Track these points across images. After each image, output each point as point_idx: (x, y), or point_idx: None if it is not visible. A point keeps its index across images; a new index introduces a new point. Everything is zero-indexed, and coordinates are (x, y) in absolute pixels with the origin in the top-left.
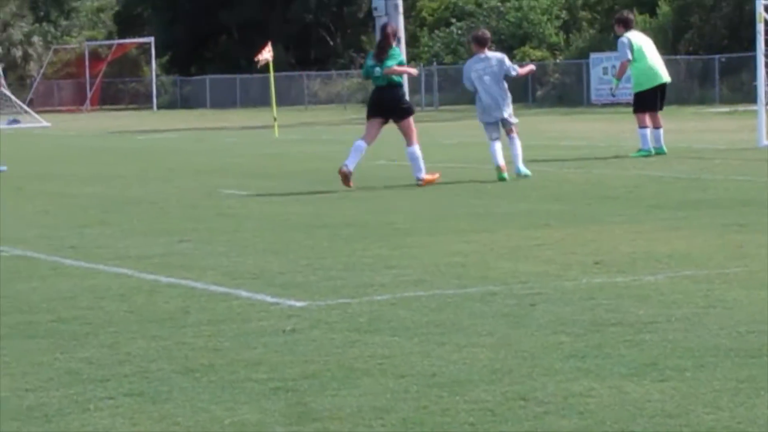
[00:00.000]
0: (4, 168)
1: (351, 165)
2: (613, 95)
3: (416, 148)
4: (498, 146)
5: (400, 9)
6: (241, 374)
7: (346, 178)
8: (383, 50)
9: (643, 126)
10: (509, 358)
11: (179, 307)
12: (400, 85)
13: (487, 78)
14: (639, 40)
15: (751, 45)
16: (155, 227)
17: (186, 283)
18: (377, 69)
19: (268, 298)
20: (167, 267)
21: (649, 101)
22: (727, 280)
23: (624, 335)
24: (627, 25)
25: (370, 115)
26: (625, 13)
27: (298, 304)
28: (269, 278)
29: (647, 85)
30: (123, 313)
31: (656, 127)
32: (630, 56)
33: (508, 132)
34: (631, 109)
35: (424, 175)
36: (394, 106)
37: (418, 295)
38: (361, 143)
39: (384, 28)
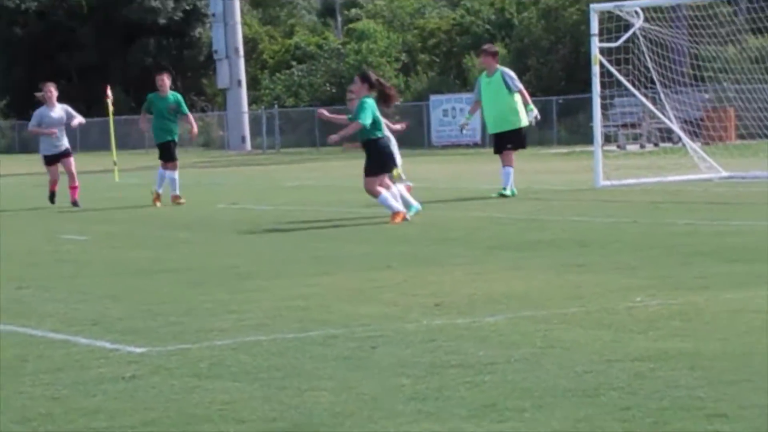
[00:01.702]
0: None
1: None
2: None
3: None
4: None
5: (241, 52)
6: (79, 423)
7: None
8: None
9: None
10: (350, 401)
11: (17, 355)
12: None
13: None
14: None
15: (588, 87)
16: None
17: (24, 331)
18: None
19: (108, 345)
20: (5, 314)
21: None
22: (566, 321)
23: (464, 377)
24: (497, 58)
25: (390, 169)
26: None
27: (138, 350)
28: (108, 324)
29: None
30: None
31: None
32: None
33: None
34: (470, 150)
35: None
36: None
37: (259, 339)
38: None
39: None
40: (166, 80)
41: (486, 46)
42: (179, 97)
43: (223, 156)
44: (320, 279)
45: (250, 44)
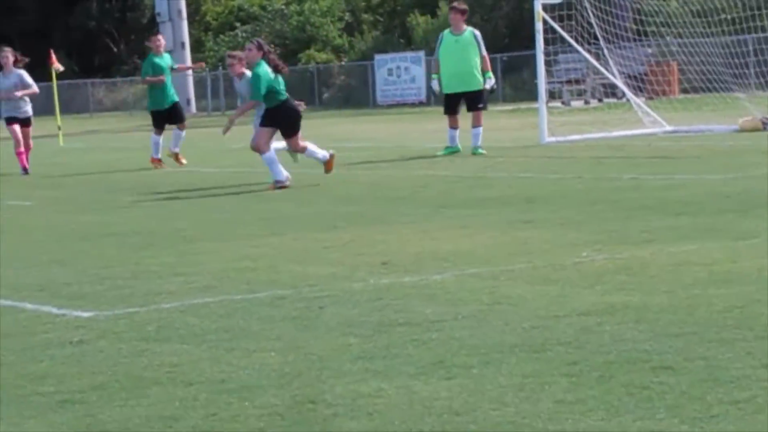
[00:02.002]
0: None
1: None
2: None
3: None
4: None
5: (184, 14)
6: (27, 388)
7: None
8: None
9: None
10: (298, 361)
11: None
12: None
13: None
14: None
15: (532, 43)
16: None
17: None
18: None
19: (54, 310)
20: None
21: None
22: (512, 277)
23: (411, 335)
24: (465, 16)
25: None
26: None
27: (85, 314)
28: (55, 289)
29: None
30: None
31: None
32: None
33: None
34: (415, 109)
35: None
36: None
37: (206, 301)
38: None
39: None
40: (162, 40)
41: (455, 3)
42: (169, 55)
43: None
44: (267, 240)
45: (193, 6)
